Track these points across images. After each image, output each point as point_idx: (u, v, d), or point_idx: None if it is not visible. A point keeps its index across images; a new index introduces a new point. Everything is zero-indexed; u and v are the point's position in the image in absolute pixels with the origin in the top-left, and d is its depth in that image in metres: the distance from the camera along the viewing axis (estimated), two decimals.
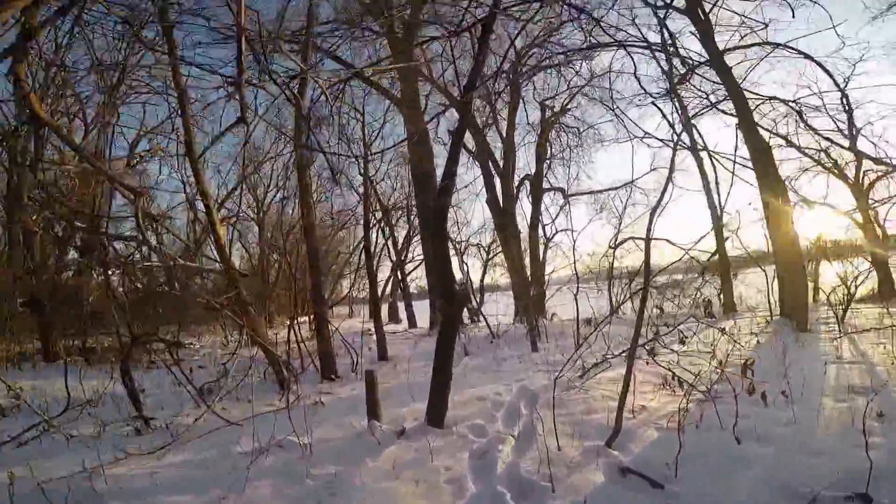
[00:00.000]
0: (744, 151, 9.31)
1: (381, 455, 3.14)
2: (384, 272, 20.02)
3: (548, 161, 14.19)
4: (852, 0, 8.53)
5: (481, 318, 10.94)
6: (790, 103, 10.04)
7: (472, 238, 17.76)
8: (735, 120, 8.81)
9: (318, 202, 17.01)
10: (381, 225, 17.03)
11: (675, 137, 8.04)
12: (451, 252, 12.50)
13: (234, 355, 6.22)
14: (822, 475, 2.41)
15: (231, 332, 11.49)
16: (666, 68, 9.29)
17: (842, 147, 10.24)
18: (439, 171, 9.29)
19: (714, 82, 9.66)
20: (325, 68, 9.51)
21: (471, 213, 44.67)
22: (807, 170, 12.03)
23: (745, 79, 9.60)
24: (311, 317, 8.11)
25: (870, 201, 11.86)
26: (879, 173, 11.76)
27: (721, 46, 8.54)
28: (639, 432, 3.18)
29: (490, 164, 12.75)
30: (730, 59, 8.71)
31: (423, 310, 14.09)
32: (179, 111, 6.40)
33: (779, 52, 9.26)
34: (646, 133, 11.97)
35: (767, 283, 9.03)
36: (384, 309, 18.52)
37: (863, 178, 11.98)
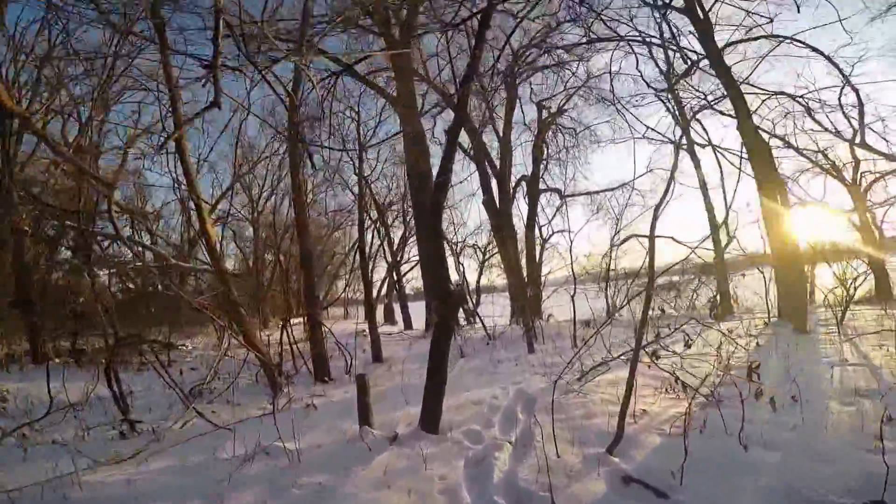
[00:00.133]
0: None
1: (372, 463, 3.00)
2: (380, 273, 19.92)
3: (544, 162, 14.11)
4: (852, 0, 8.49)
5: (477, 320, 10.83)
6: (797, 98, 9.90)
7: (468, 239, 17.70)
8: (735, 121, 8.72)
9: (314, 202, 16.91)
10: (377, 225, 16.92)
11: (679, 133, 7.90)
12: (448, 253, 12.39)
13: (223, 357, 6.06)
14: (834, 482, 2.31)
15: (222, 334, 11.33)
16: (665, 68, 9.21)
17: (853, 143, 10.09)
18: (435, 172, 9.17)
19: (714, 80, 9.58)
20: (319, 66, 9.37)
21: (467, 214, 44.62)
22: (806, 170, 12.02)
23: (745, 80, 9.52)
24: (305, 318, 7.98)
25: (867, 203, 11.87)
26: (877, 175, 11.77)
27: (723, 43, 8.50)
28: (641, 438, 3.06)
29: (487, 164, 12.67)
30: (729, 59, 8.65)
31: (418, 311, 13.96)
32: (171, 110, 6.28)
33: (779, 51, 9.17)
34: (648, 127, 11.80)
35: (765, 284, 8.96)
36: (380, 310, 18.40)
37: (860, 179, 12.00)
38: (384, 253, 18.63)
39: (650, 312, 3.53)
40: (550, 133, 14.12)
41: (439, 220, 4.12)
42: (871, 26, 10.02)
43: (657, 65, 9.54)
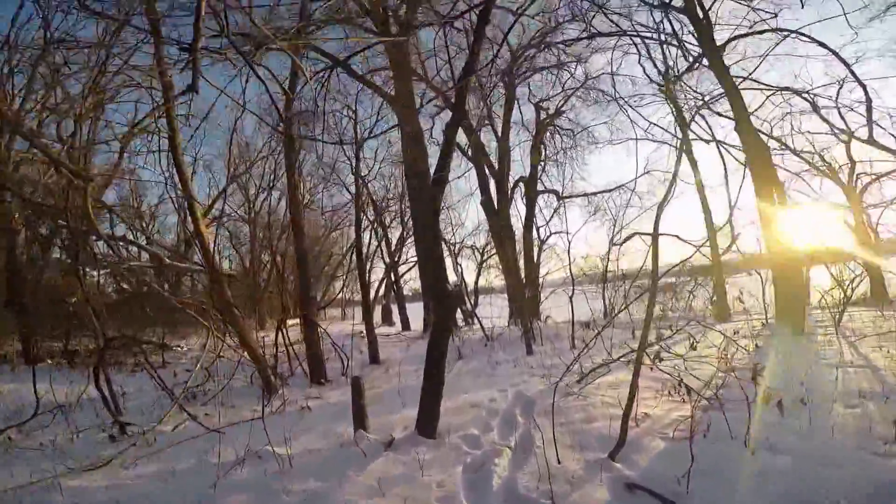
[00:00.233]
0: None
1: (366, 469, 2.90)
2: (378, 274, 19.81)
3: (542, 163, 14.06)
4: (852, 1, 8.48)
5: (475, 321, 10.75)
6: (804, 94, 9.82)
7: (466, 240, 17.61)
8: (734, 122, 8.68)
9: (311, 202, 16.80)
10: (375, 226, 16.83)
11: (680, 131, 7.82)
12: (446, 253, 12.32)
13: (216, 359, 5.95)
14: (847, 488, 2.24)
15: (213, 335, 11.19)
16: (663, 68, 9.16)
17: (861, 140, 10.01)
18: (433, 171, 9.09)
19: (714, 80, 9.54)
20: (316, 63, 9.27)
21: (465, 215, 44.51)
22: (804, 171, 12.00)
23: (748, 76, 9.47)
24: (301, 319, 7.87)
25: (863, 205, 11.88)
26: (873, 177, 11.78)
27: (725, 39, 8.45)
28: (644, 443, 2.97)
29: (485, 165, 12.60)
30: (729, 59, 8.61)
31: (416, 312, 13.87)
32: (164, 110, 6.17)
33: (779, 50, 9.13)
34: (651, 122, 11.75)
35: (762, 285, 8.92)
36: (377, 311, 18.30)
37: (856, 181, 12.00)
38: (382, 253, 18.55)
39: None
40: (548, 134, 14.08)
41: (436, 217, 4.04)
42: (870, 26, 10.02)
43: (655, 65, 9.49)
